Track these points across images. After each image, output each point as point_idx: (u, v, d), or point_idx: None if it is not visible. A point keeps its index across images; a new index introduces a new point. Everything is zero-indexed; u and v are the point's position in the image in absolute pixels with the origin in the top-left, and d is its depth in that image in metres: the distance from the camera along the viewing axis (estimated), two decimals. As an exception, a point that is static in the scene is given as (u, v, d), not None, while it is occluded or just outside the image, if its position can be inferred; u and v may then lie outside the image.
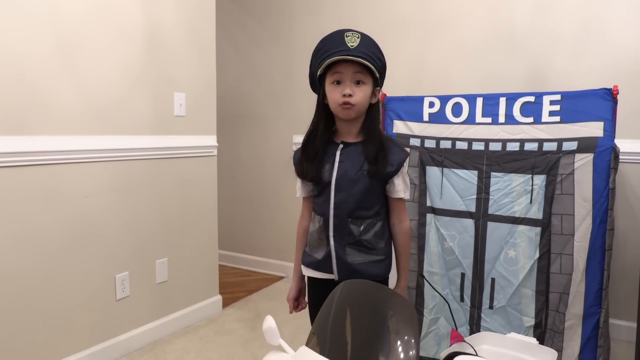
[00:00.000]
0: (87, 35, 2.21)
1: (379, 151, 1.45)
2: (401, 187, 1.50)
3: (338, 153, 1.49)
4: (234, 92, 3.93)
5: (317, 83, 1.52)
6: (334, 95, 1.45)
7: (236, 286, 3.52)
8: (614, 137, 1.97)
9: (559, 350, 2.07)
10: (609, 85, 2.04)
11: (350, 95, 1.42)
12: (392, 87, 2.75)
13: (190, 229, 2.85)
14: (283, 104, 3.70)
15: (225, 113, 3.91)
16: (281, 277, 3.74)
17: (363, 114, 1.50)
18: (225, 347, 2.55)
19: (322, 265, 1.54)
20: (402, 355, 0.86)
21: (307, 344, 1.08)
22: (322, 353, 0.99)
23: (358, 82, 1.44)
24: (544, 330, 2.11)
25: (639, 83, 2.55)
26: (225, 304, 3.14)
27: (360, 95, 1.44)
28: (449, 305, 1.59)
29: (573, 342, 2.06)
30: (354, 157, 1.47)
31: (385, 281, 1.58)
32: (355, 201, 1.46)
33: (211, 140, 2.95)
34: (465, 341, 1.56)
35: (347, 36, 1.42)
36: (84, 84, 2.21)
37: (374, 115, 1.53)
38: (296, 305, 1.71)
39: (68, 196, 2.19)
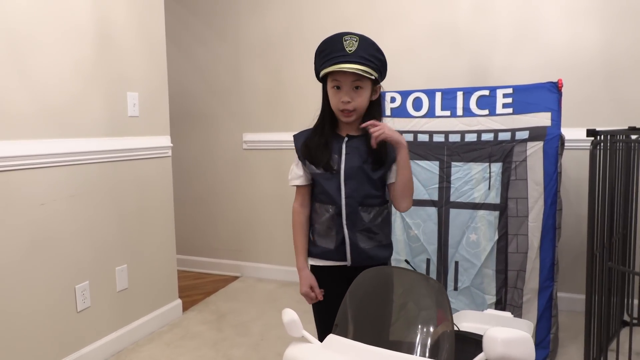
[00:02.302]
0: (36, 30, 2.08)
1: (381, 145, 1.52)
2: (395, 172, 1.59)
3: (344, 145, 1.55)
4: (182, 92, 3.82)
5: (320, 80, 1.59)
6: (334, 100, 1.53)
7: (193, 289, 3.45)
8: (560, 126, 2.18)
9: (518, 323, 2.26)
10: (548, 78, 2.25)
11: (348, 102, 1.49)
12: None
13: (149, 233, 2.76)
14: (231, 102, 3.67)
15: (174, 113, 3.79)
16: (236, 277, 3.71)
17: (365, 111, 1.57)
18: (196, 351, 2.51)
19: (335, 253, 1.57)
20: (438, 325, 0.93)
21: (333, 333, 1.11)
22: (354, 339, 1.03)
23: (357, 87, 1.50)
24: (504, 306, 2.29)
25: (570, 77, 2.82)
26: (185, 307, 3.07)
27: (359, 100, 1.51)
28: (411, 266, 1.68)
29: (530, 315, 2.25)
30: (360, 149, 1.54)
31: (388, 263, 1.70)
32: (365, 190, 1.53)
33: (165, 140, 2.87)
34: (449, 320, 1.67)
35: (345, 40, 1.47)
36: (34, 83, 2.08)
37: (375, 111, 1.59)
38: (314, 297, 1.64)
39: (23, 204, 2.04)
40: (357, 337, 1.03)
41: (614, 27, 2.75)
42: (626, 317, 2.68)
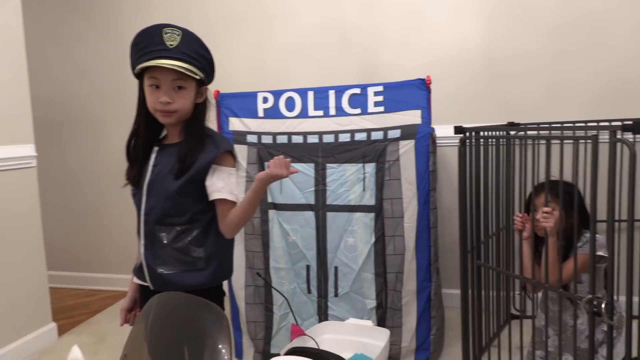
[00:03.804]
0: None
1: (189, 149, 1.35)
2: (215, 187, 1.35)
3: (153, 156, 1.40)
4: (59, 95, 3.53)
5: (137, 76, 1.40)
6: (151, 100, 1.35)
7: (76, 309, 3.18)
8: (430, 124, 2.14)
9: (399, 326, 2.21)
10: (431, 75, 2.21)
11: (168, 103, 1.33)
12: (232, 85, 2.70)
13: (12, 252, 2.49)
14: (116, 105, 3.42)
15: (48, 119, 3.50)
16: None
17: (189, 115, 1.40)
18: (61, 380, 2.28)
19: (140, 273, 1.44)
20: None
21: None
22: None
23: (179, 88, 1.34)
24: (385, 310, 2.23)
25: (452, 73, 2.82)
26: (63, 330, 2.82)
27: (180, 102, 1.35)
28: (287, 300, 1.59)
29: (410, 317, 2.21)
30: (168, 159, 1.38)
31: (208, 291, 1.41)
32: (163, 207, 1.36)
33: (28, 150, 2.60)
34: (306, 334, 1.58)
35: (165, 33, 1.31)
36: None
37: (199, 115, 1.43)
38: (129, 317, 1.55)
39: None
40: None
41: (493, 24, 2.78)
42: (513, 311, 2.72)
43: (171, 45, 1.31)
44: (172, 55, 1.31)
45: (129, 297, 1.55)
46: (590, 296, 1.50)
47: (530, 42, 2.74)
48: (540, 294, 1.89)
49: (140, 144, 1.39)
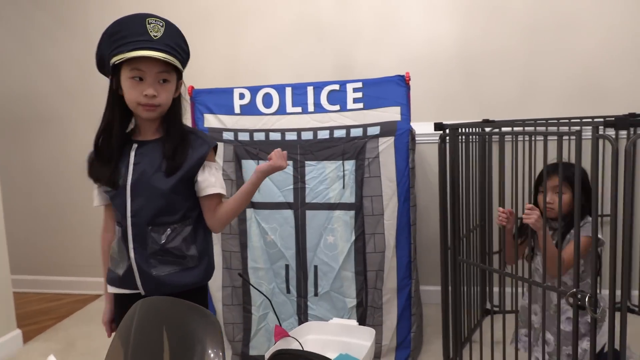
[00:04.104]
0: None
1: (177, 146, 1.31)
2: (209, 182, 1.34)
3: (132, 154, 1.32)
4: (22, 93, 3.38)
5: (107, 67, 1.32)
6: (133, 93, 1.27)
7: (43, 314, 3.05)
8: (409, 120, 2.13)
9: (379, 325, 2.19)
10: (408, 72, 2.20)
11: (154, 96, 1.27)
12: (206, 80, 2.63)
13: (-31, 257, 2.36)
14: (83, 102, 3.30)
15: (11, 116, 3.35)
16: (98, 296, 3.34)
17: (167, 110, 1.35)
18: (27, 390, 2.17)
19: (125, 280, 1.35)
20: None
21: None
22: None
23: (164, 81, 1.29)
24: (365, 308, 2.21)
25: (428, 71, 2.82)
26: (29, 337, 2.69)
27: (165, 95, 1.30)
28: (269, 301, 1.54)
29: (391, 315, 2.20)
30: (152, 156, 1.32)
31: (202, 289, 1.45)
32: (155, 206, 1.30)
33: (-12, 147, 2.47)
34: (289, 336, 1.54)
35: (149, 23, 1.25)
36: None
37: (177, 110, 1.38)
38: (114, 328, 1.48)
39: None
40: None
41: (467, 23, 2.80)
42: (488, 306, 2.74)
43: (155, 36, 1.26)
44: (156, 46, 1.25)
45: (110, 309, 1.47)
46: (574, 290, 1.52)
47: (503, 40, 2.77)
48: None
49: (114, 141, 1.31)
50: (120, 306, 1.44)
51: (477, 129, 2.16)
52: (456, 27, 2.82)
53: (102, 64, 1.33)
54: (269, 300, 1.55)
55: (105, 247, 1.45)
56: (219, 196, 1.39)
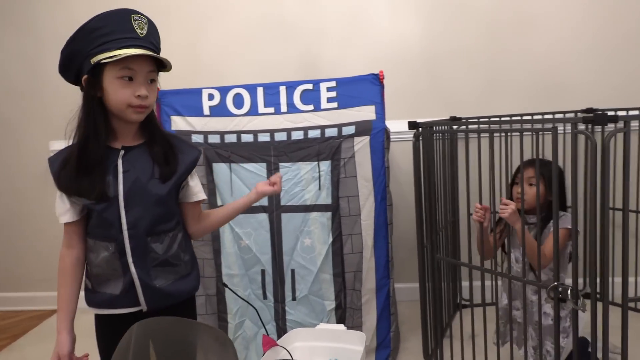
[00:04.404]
0: None
1: (167, 150, 1.26)
2: (198, 188, 1.35)
3: (120, 161, 1.23)
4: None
5: (76, 68, 1.20)
6: (123, 94, 1.17)
7: (-5, 334, 2.84)
8: (384, 119, 2.12)
9: (359, 326, 2.17)
10: (376, 71, 2.18)
11: (146, 97, 1.20)
12: (164, 81, 2.50)
13: None
14: (32, 105, 3.09)
15: (-50, 121, 3.09)
16: (54, 311, 3.15)
17: None
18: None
19: (123, 299, 1.26)
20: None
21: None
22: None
23: (151, 81, 1.23)
24: (344, 310, 2.18)
25: (395, 69, 2.82)
26: (-20, 360, 2.50)
27: (153, 95, 1.24)
28: (256, 310, 1.48)
29: (370, 315, 2.18)
30: (141, 162, 1.24)
31: (192, 298, 1.41)
32: (154, 215, 1.24)
33: None
34: (277, 345, 1.49)
35: (134, 20, 1.17)
36: None
37: (154, 112, 1.32)
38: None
39: None
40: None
41: (431, 21, 2.82)
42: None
43: (141, 34, 1.19)
44: (143, 44, 1.19)
45: (69, 339, 1.27)
46: (555, 283, 1.55)
47: (467, 39, 2.81)
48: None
49: (100, 149, 1.20)
50: (109, 329, 1.31)
51: (453, 127, 2.18)
52: (421, 25, 2.84)
53: (71, 63, 1.20)
54: (256, 310, 1.50)
55: (66, 267, 1.28)
56: (199, 203, 1.38)
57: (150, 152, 1.24)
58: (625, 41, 2.72)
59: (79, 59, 1.18)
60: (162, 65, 1.25)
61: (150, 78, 1.22)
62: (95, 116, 1.19)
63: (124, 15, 1.17)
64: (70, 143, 1.23)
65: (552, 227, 1.59)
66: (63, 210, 1.25)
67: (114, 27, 1.15)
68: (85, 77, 1.19)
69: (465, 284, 2.79)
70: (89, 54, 1.16)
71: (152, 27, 1.23)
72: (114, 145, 1.25)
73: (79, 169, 1.19)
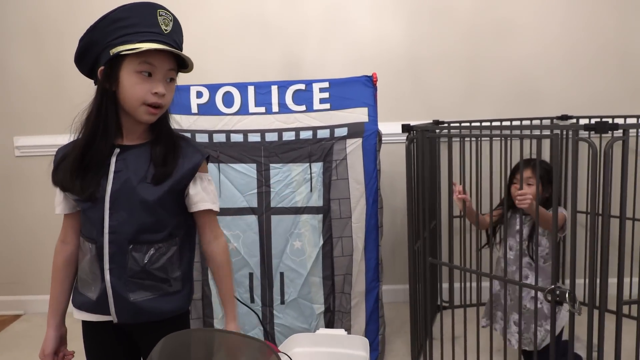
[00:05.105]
0: None
1: (168, 152, 1.17)
2: (201, 196, 1.21)
3: (113, 160, 1.15)
4: None
5: (93, 58, 1.14)
6: (140, 89, 1.11)
7: (-49, 343, 2.64)
8: (377, 122, 2.11)
9: (347, 329, 2.15)
10: (359, 73, 2.17)
11: (163, 95, 1.13)
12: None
13: None
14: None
15: None
16: (18, 316, 2.97)
17: None
18: None
19: (98, 306, 1.18)
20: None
21: None
22: None
23: (170, 80, 1.16)
24: (333, 313, 2.16)
25: (380, 73, 2.81)
26: (-62, 371, 2.32)
27: (169, 95, 1.17)
28: (258, 315, 1.44)
29: (359, 319, 2.17)
30: (137, 163, 1.16)
31: (183, 316, 1.29)
32: (139, 222, 1.14)
33: None
34: (279, 351, 1.45)
35: (160, 15, 1.12)
36: None
37: (167, 112, 1.24)
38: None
39: None
40: None
41: (412, 24, 2.84)
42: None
43: (166, 30, 1.13)
44: (167, 41, 1.13)
45: (53, 337, 1.26)
46: (552, 286, 1.58)
47: (448, 43, 2.84)
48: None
49: (106, 146, 1.14)
50: (90, 335, 1.27)
51: (448, 131, 2.19)
52: (402, 28, 2.85)
53: (89, 53, 1.14)
54: (258, 315, 1.46)
55: (58, 263, 1.25)
56: (213, 212, 1.25)
57: (150, 153, 1.17)
58: (599, 52, 2.82)
59: (97, 49, 1.12)
60: (183, 66, 1.18)
61: (170, 77, 1.16)
62: (108, 111, 1.13)
63: (150, 10, 1.12)
64: (75, 138, 1.17)
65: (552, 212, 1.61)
66: (58, 200, 1.22)
67: (138, 20, 1.10)
68: (101, 68, 1.12)
69: (445, 285, 2.82)
70: (109, 45, 1.10)
71: (177, 26, 1.18)
72: (116, 142, 1.18)
73: (78, 166, 1.13)
